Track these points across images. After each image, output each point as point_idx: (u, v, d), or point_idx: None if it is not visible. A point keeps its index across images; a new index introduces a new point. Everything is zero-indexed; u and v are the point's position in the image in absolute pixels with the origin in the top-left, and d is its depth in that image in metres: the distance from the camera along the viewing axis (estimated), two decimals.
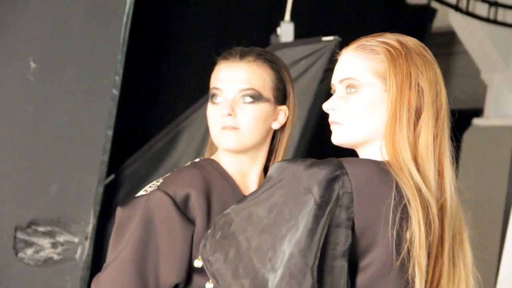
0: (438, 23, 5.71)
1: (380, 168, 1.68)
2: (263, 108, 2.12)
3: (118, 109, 3.48)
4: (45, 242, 3.37)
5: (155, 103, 4.23)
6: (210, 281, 1.83)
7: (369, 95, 1.76)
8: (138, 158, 3.75)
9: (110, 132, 3.46)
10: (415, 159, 1.70)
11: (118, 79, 3.46)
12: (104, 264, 2.03)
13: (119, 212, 2.03)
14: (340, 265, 1.63)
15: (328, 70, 3.54)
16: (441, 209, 1.71)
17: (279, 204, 1.67)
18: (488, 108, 5.82)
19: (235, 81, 2.11)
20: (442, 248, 1.70)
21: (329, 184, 1.63)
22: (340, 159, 1.68)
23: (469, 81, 6.28)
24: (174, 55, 4.28)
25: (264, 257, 1.67)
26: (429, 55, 1.78)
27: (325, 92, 3.62)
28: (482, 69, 5.80)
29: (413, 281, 1.65)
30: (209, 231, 1.77)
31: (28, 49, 3.32)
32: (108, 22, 3.44)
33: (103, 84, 3.45)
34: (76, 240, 3.41)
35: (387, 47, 1.76)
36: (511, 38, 5.59)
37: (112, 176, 3.73)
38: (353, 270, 1.67)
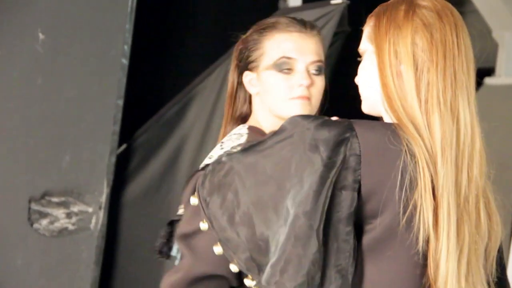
0: None
1: (391, 131, 1.66)
2: (323, 79, 2.19)
3: (128, 79, 3.48)
4: (60, 212, 3.40)
5: (166, 72, 4.22)
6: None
7: (365, 60, 1.78)
8: (149, 127, 3.76)
9: (120, 102, 3.46)
10: (406, 111, 1.69)
11: (127, 48, 3.45)
12: None
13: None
14: (346, 228, 1.63)
15: (337, 34, 3.55)
16: (435, 163, 1.68)
17: (286, 159, 1.66)
18: (500, 67, 5.78)
19: (308, 52, 2.15)
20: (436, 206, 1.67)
21: (337, 145, 1.63)
22: (351, 120, 1.68)
23: (480, 40, 6.23)
24: (184, 23, 4.25)
25: (264, 210, 1.67)
26: (427, 6, 1.74)
27: (335, 55, 3.62)
28: (493, 28, 5.75)
29: (419, 231, 1.63)
30: (208, 169, 1.76)
31: (37, 20, 3.32)
32: None
33: (112, 54, 3.45)
34: (90, 210, 3.43)
35: (380, 8, 1.77)
36: None
37: (124, 146, 3.74)
38: (358, 233, 1.67)
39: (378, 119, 1.80)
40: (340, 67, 3.54)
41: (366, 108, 1.80)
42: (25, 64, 3.31)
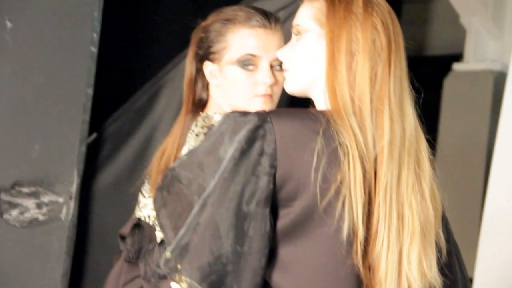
0: None
1: (307, 117, 1.72)
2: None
3: (98, 67, 3.44)
4: (30, 203, 3.37)
5: (135, 60, 4.20)
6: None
7: (308, 40, 1.80)
8: (120, 115, 3.75)
9: (90, 91, 3.43)
10: (353, 102, 1.73)
11: (96, 36, 3.42)
12: None
13: None
14: (261, 212, 1.67)
15: None
16: (376, 159, 1.73)
17: (213, 151, 1.72)
18: (468, 52, 5.81)
19: (272, 48, 2.15)
20: (374, 200, 1.72)
21: (252, 133, 1.68)
22: (268, 110, 1.75)
23: (448, 26, 6.26)
24: (154, 10, 4.24)
25: (199, 200, 1.71)
26: (383, 6, 1.80)
27: None
28: (461, 13, 5.78)
29: (342, 219, 1.68)
30: (159, 183, 1.80)
31: (4, 8, 3.28)
32: None
33: (81, 42, 3.41)
34: (60, 200, 3.41)
35: None
36: None
37: (94, 135, 3.72)
38: (275, 218, 1.72)
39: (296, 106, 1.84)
40: None
41: (294, 88, 1.84)
42: None
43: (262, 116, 1.70)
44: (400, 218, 1.73)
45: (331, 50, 1.75)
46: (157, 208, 1.78)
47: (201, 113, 2.25)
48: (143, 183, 2.38)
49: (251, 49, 2.16)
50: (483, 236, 3.29)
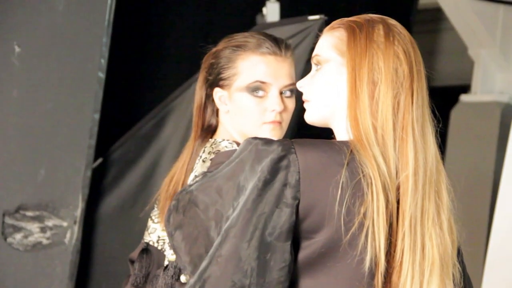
0: None
1: (331, 148, 1.70)
2: (294, 101, 2.20)
3: (105, 93, 3.46)
4: (34, 226, 3.37)
5: (143, 86, 4.21)
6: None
7: (329, 70, 1.79)
8: (126, 141, 3.74)
9: (97, 116, 3.44)
10: (376, 131, 1.71)
11: (103, 62, 3.43)
12: None
13: None
14: (282, 244, 1.65)
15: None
16: (398, 188, 1.72)
17: (233, 178, 1.70)
18: (476, 84, 5.82)
19: (282, 76, 2.16)
20: (397, 230, 1.71)
21: (275, 163, 1.66)
22: (293, 140, 1.71)
23: (456, 58, 6.26)
24: (162, 38, 4.24)
25: (216, 226, 1.71)
26: (404, 34, 1.80)
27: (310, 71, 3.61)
28: (469, 45, 5.79)
29: (365, 251, 1.67)
30: (172, 203, 1.79)
31: (12, 33, 3.29)
32: (93, 4, 3.40)
33: (89, 67, 3.42)
34: (65, 224, 3.41)
35: (351, 23, 1.79)
36: (498, 13, 5.58)
37: (100, 160, 3.72)
38: (297, 249, 1.69)
39: (319, 137, 1.82)
40: None
41: (315, 118, 1.82)
42: (0, 77, 3.29)
43: (286, 146, 1.68)
44: (422, 249, 1.72)
45: (352, 79, 1.74)
46: (170, 230, 1.77)
47: (210, 139, 2.26)
48: (152, 208, 2.38)
49: (261, 76, 2.16)
50: (488, 269, 3.28)
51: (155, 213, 2.34)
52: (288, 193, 1.66)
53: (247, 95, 2.17)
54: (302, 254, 1.69)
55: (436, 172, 1.75)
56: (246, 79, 2.17)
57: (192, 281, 1.67)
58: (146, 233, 2.34)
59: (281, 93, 2.18)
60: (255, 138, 1.73)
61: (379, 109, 1.72)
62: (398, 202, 1.71)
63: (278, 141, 1.70)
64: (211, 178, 1.75)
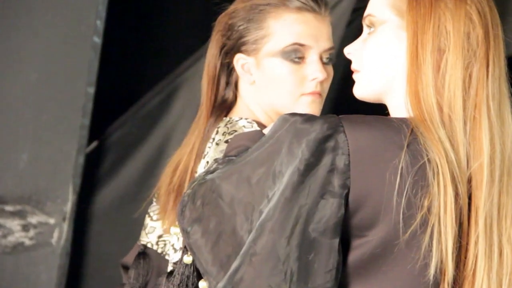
0: None
1: (388, 126, 1.67)
2: (332, 69, 2.20)
3: (101, 62, 3.42)
4: (14, 224, 3.34)
5: (146, 54, 4.13)
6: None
7: (384, 34, 1.76)
8: (126, 121, 3.71)
9: (91, 90, 3.40)
10: (441, 110, 1.69)
11: (100, 24, 3.40)
12: None
13: None
14: (328, 242, 1.62)
15: (358, 10, 3.48)
16: (470, 180, 1.68)
17: (266, 163, 1.68)
18: None
19: (323, 38, 2.15)
20: (469, 232, 1.68)
21: (319, 144, 1.63)
22: (340, 116, 1.69)
23: None
24: None
25: (248, 223, 1.69)
26: None
27: (354, 36, 3.55)
28: None
29: (429, 255, 1.63)
30: (187, 193, 1.79)
31: None
32: None
33: (82, 30, 3.39)
34: (51, 221, 3.37)
35: None
36: None
37: (94, 143, 3.69)
38: (346, 248, 1.67)
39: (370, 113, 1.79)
40: None
41: (367, 92, 1.80)
42: None
43: (333, 124, 1.65)
44: (499, 255, 1.69)
45: (414, 47, 1.71)
46: (185, 226, 1.76)
47: (224, 117, 2.22)
48: (150, 203, 2.34)
49: (299, 37, 2.13)
50: None
51: (153, 209, 2.31)
52: (336, 181, 1.63)
53: (282, 60, 2.14)
54: (352, 255, 1.67)
55: None
56: (280, 41, 2.14)
57: (220, 285, 1.66)
58: (143, 233, 2.30)
59: (320, 58, 2.15)
60: (293, 114, 1.70)
61: (446, 84, 1.69)
62: (469, 198, 1.67)
63: (322, 117, 1.68)
64: (238, 164, 1.73)
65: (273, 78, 2.15)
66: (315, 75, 2.12)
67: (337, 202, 1.62)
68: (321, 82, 2.14)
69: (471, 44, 1.70)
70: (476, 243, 1.66)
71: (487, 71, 1.71)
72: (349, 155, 1.63)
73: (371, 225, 1.64)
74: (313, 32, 2.14)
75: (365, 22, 1.80)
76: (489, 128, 1.69)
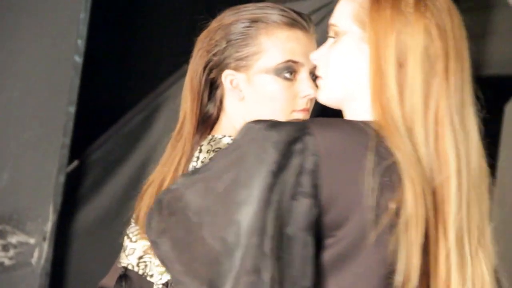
0: None
1: (354, 127, 1.69)
2: None
3: (82, 81, 3.43)
4: None
5: (127, 73, 4.16)
6: None
7: (347, 44, 1.77)
8: (107, 140, 3.74)
9: (72, 109, 3.42)
10: (406, 121, 1.70)
11: (81, 43, 3.42)
12: None
13: None
14: (302, 241, 1.63)
15: None
16: (434, 193, 1.69)
17: (233, 170, 1.67)
18: None
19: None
20: (438, 245, 1.69)
21: (288, 146, 1.64)
22: (306, 119, 1.77)
23: None
24: (152, 12, 4.22)
25: (218, 231, 1.66)
26: (440, 2, 1.76)
27: None
28: None
29: (396, 259, 1.64)
30: (154, 204, 1.77)
31: None
32: None
33: (63, 49, 3.42)
34: (32, 241, 3.39)
35: None
36: None
37: (75, 162, 3.72)
38: (320, 247, 1.67)
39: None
40: None
41: (328, 98, 1.83)
42: None
43: (300, 127, 1.67)
44: (471, 269, 1.71)
45: (376, 59, 1.72)
46: (154, 237, 1.74)
47: (207, 135, 2.20)
48: (129, 224, 2.31)
49: (293, 55, 2.12)
50: None
51: (132, 230, 2.26)
52: (306, 181, 1.63)
53: (274, 77, 2.13)
54: (326, 254, 1.67)
55: (479, 172, 1.74)
56: (273, 58, 2.12)
57: None
58: (122, 255, 2.25)
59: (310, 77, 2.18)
60: (258, 121, 1.71)
61: (407, 97, 1.70)
62: (434, 210, 1.68)
63: (287, 122, 1.71)
64: (204, 173, 1.72)
65: (265, 94, 2.14)
66: (308, 92, 2.13)
67: (309, 202, 1.63)
68: (311, 99, 2.15)
69: (430, 57, 1.71)
70: (447, 256, 1.67)
71: (448, 84, 1.71)
72: (318, 156, 1.64)
73: (341, 225, 1.65)
74: (304, 49, 2.14)
75: (329, 31, 1.81)
76: (454, 141, 1.70)
